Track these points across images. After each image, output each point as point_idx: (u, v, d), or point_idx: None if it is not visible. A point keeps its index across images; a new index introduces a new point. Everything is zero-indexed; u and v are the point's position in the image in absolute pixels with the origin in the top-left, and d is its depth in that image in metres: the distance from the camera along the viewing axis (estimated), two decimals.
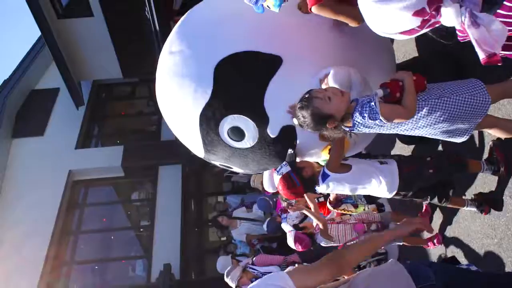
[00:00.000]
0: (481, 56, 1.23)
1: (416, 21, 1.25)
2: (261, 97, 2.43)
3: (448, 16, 1.21)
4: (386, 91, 2.00)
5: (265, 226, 5.37)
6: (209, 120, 2.55)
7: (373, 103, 1.98)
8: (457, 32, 1.46)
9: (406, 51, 3.90)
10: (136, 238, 8.50)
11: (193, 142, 2.79)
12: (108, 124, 10.17)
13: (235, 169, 2.98)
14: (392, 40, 3.80)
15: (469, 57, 2.93)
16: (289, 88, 2.38)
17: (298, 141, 2.59)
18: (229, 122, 2.52)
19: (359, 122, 2.05)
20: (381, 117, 1.97)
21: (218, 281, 4.98)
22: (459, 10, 1.19)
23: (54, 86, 9.12)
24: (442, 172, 2.61)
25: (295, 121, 2.15)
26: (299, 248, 3.73)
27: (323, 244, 3.59)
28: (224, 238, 6.96)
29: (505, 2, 1.26)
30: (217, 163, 2.98)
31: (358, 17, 1.81)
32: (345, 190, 2.60)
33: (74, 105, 8.19)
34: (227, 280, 4.14)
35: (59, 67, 7.57)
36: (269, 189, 3.18)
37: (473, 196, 2.90)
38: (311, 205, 3.36)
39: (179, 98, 2.65)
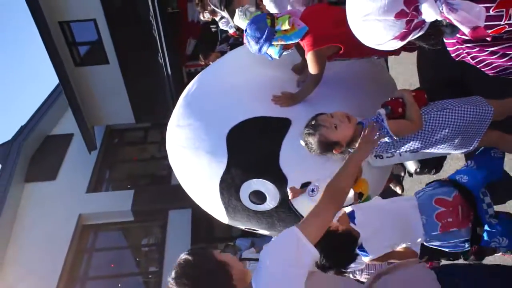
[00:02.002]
0: (466, 30, 1.31)
1: (401, 24, 1.31)
2: (276, 158, 2.46)
3: (427, 11, 1.29)
4: (388, 109, 2.05)
5: None
6: (229, 188, 2.57)
7: (381, 119, 2.01)
8: (448, 49, 1.53)
9: (405, 79, 3.94)
10: (144, 285, 8.29)
11: (217, 211, 2.81)
12: (120, 168, 10.25)
13: (262, 231, 2.94)
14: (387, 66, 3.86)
15: (473, 80, 2.93)
16: (302, 146, 2.42)
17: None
18: (249, 187, 2.53)
19: None
20: (390, 133, 1.98)
21: None
22: (435, 3, 1.28)
23: (69, 132, 9.33)
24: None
25: (302, 143, 2.15)
26: None
27: None
28: None
29: None
30: (243, 227, 2.96)
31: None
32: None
33: (86, 149, 8.33)
34: None
35: (74, 113, 7.78)
36: None
37: None
38: None
39: (196, 170, 2.68)
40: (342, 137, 2.04)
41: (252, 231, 2.99)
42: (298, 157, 2.37)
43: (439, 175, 3.58)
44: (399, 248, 2.14)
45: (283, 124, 2.49)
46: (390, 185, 4.46)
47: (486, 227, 2.02)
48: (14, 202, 8.09)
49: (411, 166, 3.78)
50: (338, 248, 1.86)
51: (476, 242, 2.04)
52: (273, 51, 2.29)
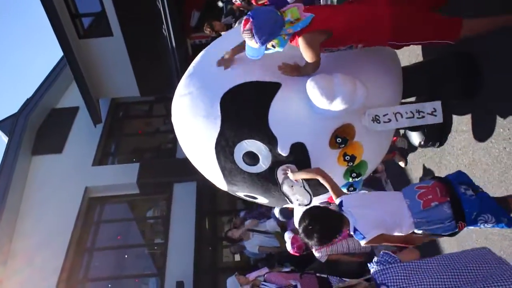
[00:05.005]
0: None
1: None
2: (265, 118, 2.55)
3: None
4: None
5: (277, 213, 5.28)
6: (224, 149, 2.68)
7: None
8: None
9: (412, 50, 3.87)
10: (150, 256, 8.48)
11: (216, 177, 2.92)
12: (125, 141, 10.31)
13: (260, 199, 3.02)
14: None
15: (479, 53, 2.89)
16: (290, 107, 2.54)
17: (311, 158, 2.63)
18: (241, 148, 2.64)
19: None
20: None
21: None
22: None
23: (74, 105, 9.34)
24: None
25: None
26: (293, 249, 4.05)
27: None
28: (237, 254, 6.89)
29: None
30: (241, 195, 3.04)
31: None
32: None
33: (92, 123, 8.35)
34: None
35: (79, 85, 7.77)
36: None
37: None
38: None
39: (195, 136, 2.81)
40: None
41: (251, 199, 3.05)
42: (287, 117, 2.52)
43: (443, 148, 3.57)
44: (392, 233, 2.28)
45: (273, 87, 2.59)
46: (394, 158, 4.46)
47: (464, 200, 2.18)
48: (22, 175, 8.18)
49: (416, 138, 3.77)
50: (328, 221, 2.22)
51: (461, 217, 2.18)
52: (278, 42, 2.35)
